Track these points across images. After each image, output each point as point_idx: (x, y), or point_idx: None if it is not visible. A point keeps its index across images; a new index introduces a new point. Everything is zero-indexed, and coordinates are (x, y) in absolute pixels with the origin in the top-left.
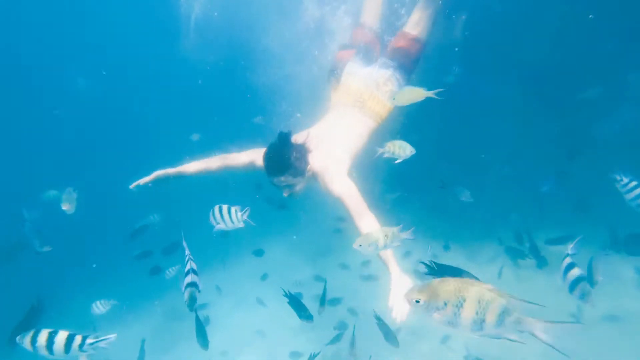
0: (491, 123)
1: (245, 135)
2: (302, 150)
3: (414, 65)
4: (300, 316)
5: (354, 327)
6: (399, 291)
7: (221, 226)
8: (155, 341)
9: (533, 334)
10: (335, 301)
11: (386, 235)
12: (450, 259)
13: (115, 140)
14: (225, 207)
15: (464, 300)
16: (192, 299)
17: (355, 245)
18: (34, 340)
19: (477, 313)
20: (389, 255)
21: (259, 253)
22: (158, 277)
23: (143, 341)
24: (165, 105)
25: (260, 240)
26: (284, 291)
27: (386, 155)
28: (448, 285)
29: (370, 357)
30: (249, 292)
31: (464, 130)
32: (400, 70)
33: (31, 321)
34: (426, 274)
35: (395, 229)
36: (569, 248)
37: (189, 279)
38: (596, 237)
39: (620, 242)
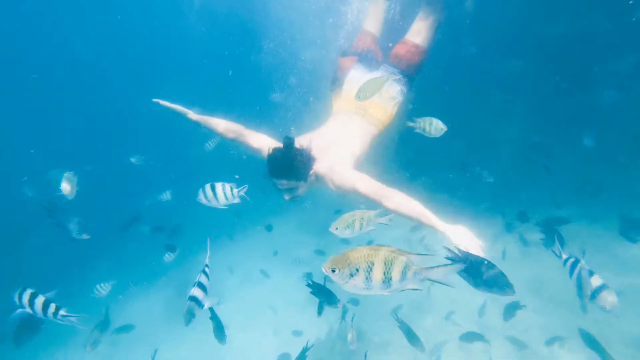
0: (503, 99)
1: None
2: (306, 155)
3: (416, 72)
4: (329, 303)
5: (353, 316)
6: (462, 239)
7: (213, 204)
8: (168, 310)
9: (428, 278)
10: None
11: (362, 218)
12: None
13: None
14: (218, 184)
15: (373, 265)
16: (188, 315)
17: (331, 229)
18: (20, 297)
19: (384, 274)
20: (429, 217)
21: (269, 228)
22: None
23: (107, 307)
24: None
25: (269, 216)
26: (307, 281)
27: (417, 130)
28: (358, 253)
29: (366, 356)
30: (257, 267)
31: (475, 107)
32: (403, 77)
33: (34, 321)
34: (447, 257)
35: (372, 213)
36: (581, 259)
37: (194, 291)
38: (606, 219)
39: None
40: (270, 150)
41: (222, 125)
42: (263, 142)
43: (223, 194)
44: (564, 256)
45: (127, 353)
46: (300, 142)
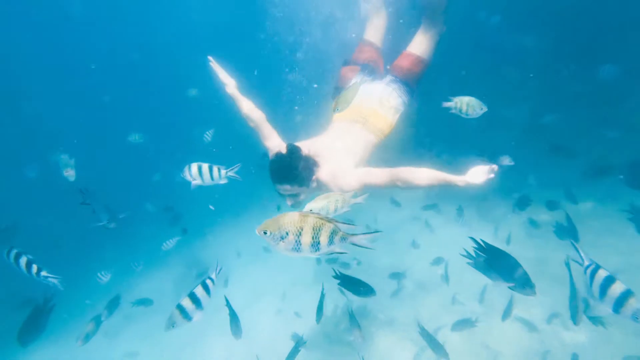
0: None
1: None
2: (309, 161)
3: (416, 83)
4: (359, 293)
5: (351, 310)
6: (478, 176)
7: (197, 182)
8: (180, 286)
9: (354, 243)
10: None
11: (337, 200)
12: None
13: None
14: (205, 165)
15: (302, 229)
16: (169, 322)
17: (306, 209)
18: (8, 255)
19: (313, 238)
20: (443, 177)
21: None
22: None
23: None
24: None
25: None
26: (335, 272)
27: (452, 111)
28: (288, 218)
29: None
30: (261, 247)
31: (486, 84)
32: (403, 88)
33: (37, 320)
34: (474, 248)
35: (346, 195)
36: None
37: (184, 301)
38: (615, 200)
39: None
40: (273, 156)
41: (245, 109)
42: (272, 142)
43: (209, 173)
44: (586, 262)
45: (139, 327)
46: (302, 148)
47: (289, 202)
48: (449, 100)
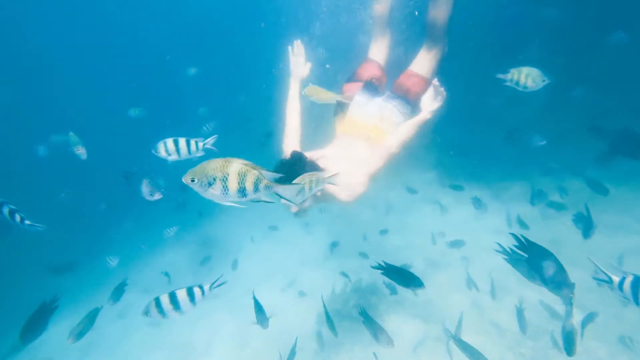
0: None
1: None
2: (315, 168)
3: (419, 100)
4: (408, 285)
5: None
6: (428, 104)
7: (174, 157)
8: (192, 262)
9: (277, 193)
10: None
11: (311, 181)
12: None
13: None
14: (182, 139)
15: (228, 175)
16: (145, 310)
17: (283, 201)
18: None
19: (239, 184)
20: (415, 120)
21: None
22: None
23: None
24: None
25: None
26: (379, 264)
27: (507, 83)
28: (213, 164)
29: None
30: (271, 226)
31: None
32: (405, 105)
33: (41, 320)
34: (515, 246)
35: (319, 174)
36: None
37: (163, 297)
38: (631, 180)
39: None
40: (278, 162)
41: (292, 108)
42: (287, 146)
43: (187, 147)
44: (615, 278)
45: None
46: (307, 155)
47: (292, 209)
48: (506, 72)
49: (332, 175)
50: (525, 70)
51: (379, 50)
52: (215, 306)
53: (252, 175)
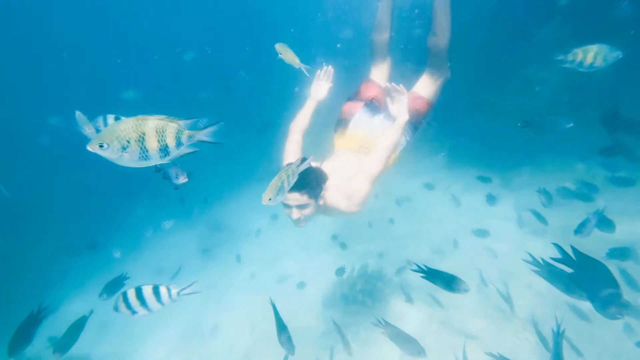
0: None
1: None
2: (321, 174)
3: (420, 120)
4: (450, 288)
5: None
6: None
7: (91, 131)
8: (201, 245)
9: (201, 140)
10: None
11: (288, 176)
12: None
13: None
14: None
15: (145, 134)
16: (114, 305)
17: (264, 202)
18: None
19: (159, 142)
20: (393, 130)
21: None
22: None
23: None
24: None
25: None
26: (418, 266)
27: (567, 65)
28: (124, 125)
29: None
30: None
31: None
32: (407, 125)
33: (29, 330)
34: (557, 259)
35: (293, 165)
36: None
37: (130, 291)
38: None
39: None
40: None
41: (301, 123)
42: (289, 153)
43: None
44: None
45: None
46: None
47: (294, 215)
48: (567, 52)
49: (305, 161)
50: (593, 48)
51: (379, 73)
52: (225, 288)
53: (171, 129)
